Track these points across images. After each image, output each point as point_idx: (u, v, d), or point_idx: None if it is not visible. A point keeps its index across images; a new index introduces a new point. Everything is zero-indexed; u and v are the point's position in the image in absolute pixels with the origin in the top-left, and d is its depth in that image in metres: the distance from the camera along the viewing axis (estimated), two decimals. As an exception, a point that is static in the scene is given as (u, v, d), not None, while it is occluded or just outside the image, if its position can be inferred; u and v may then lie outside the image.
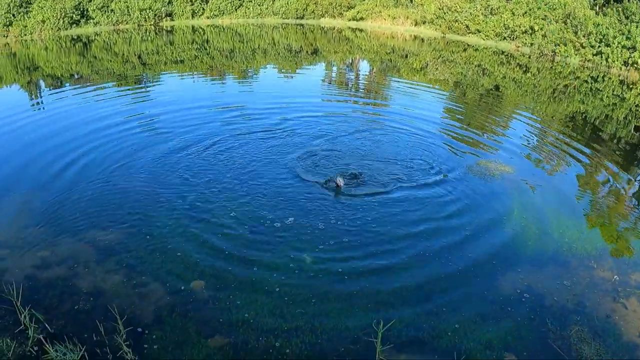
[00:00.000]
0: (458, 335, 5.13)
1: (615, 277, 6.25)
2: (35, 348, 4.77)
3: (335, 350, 4.86)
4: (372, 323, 5.11)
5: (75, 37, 25.78)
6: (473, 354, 4.89)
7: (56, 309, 5.34)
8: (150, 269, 6.05)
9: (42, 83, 16.43)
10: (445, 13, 29.24)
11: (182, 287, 5.70)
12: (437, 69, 21.12)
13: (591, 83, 19.13)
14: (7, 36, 23.76)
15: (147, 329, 5.05)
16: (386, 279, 6.00)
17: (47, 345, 4.58)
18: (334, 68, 22.26)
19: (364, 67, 23.09)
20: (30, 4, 25.87)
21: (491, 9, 27.56)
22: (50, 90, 15.27)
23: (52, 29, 25.66)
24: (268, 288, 5.73)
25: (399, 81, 18.96)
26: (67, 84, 16.01)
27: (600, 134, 13.02)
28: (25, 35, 24.65)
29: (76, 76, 17.49)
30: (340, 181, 8.07)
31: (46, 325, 5.03)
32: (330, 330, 5.13)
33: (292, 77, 19.60)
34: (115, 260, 6.20)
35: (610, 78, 19.76)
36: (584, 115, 15.08)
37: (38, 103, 13.84)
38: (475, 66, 21.88)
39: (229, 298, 5.54)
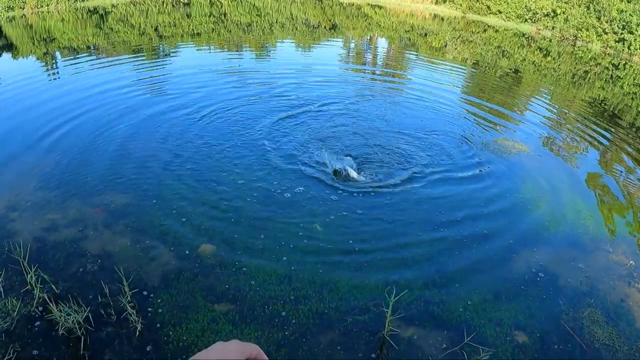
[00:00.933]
0: (469, 311, 5.05)
1: (630, 262, 6.13)
2: (40, 308, 4.76)
3: (342, 320, 4.80)
4: (381, 295, 5.07)
5: (92, 9, 25.63)
6: (483, 331, 4.80)
7: (63, 271, 5.32)
8: (159, 232, 6.01)
9: (58, 54, 16.36)
10: (466, -8, 28.79)
11: (190, 252, 5.66)
12: (456, 48, 20.81)
13: (612, 70, 18.79)
14: (23, 8, 23.67)
15: (153, 292, 5.01)
16: (398, 252, 5.92)
17: (52, 305, 4.55)
18: (352, 44, 22.00)
19: (382, 44, 22.77)
20: (48, -25, 25.79)
21: (513, -10, 27.07)
22: (65, 60, 15.19)
23: (68, 0, 25.57)
24: (276, 256, 5.66)
25: (417, 59, 18.71)
26: (83, 55, 15.91)
27: (619, 121, 12.74)
28: (42, 7, 24.54)
29: (92, 48, 17.40)
30: (352, 172, 7.48)
31: (52, 286, 5.00)
32: (338, 300, 5.06)
33: (309, 51, 19.38)
34: (123, 224, 6.17)
35: (631, 66, 19.39)
36: (603, 102, 14.80)
37: (53, 72, 13.78)
38: (495, 47, 21.56)
39: (236, 264, 5.48)
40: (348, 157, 7.37)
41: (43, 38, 18.64)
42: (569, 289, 5.53)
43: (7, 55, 15.88)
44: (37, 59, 15.48)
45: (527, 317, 5.04)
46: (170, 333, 4.55)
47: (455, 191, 7.51)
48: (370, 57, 19.29)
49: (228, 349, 1.17)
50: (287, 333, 4.59)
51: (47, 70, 13.98)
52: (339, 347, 4.48)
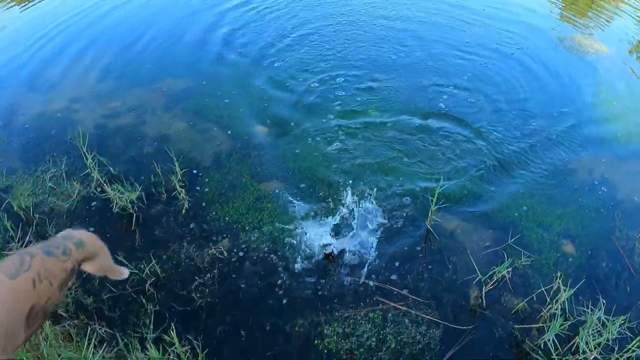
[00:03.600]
0: (518, 212, 4.85)
1: None
2: (98, 190, 5.04)
3: (389, 206, 4.79)
4: (430, 186, 4.96)
5: None
6: (529, 235, 4.61)
7: (120, 154, 5.58)
8: (214, 115, 6.10)
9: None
10: None
11: (242, 134, 5.76)
12: None
13: None
14: None
15: (203, 172, 5.20)
16: (455, 144, 5.72)
17: (108, 186, 4.79)
18: None
19: None
20: None
21: None
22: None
23: None
24: (330, 139, 5.66)
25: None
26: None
27: None
28: None
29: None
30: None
31: (110, 168, 5.26)
32: (385, 187, 5.03)
33: None
34: (181, 107, 6.29)
35: None
36: None
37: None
38: None
39: (288, 146, 5.55)
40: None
41: None
42: (629, 207, 5.10)
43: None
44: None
45: (579, 228, 4.75)
46: (215, 212, 4.72)
47: (522, 90, 6.93)
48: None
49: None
50: (329, 218, 4.64)
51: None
52: (380, 233, 4.50)
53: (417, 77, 6.84)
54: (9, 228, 4.74)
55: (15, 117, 6.57)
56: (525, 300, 3.97)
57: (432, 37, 7.97)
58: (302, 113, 6.11)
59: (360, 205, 4.76)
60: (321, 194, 4.93)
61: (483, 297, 4.00)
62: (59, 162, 5.53)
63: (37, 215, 4.93)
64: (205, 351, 3.57)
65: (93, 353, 3.30)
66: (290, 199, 4.85)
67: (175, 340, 3.33)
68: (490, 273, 4.03)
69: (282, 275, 4.15)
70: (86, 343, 3.35)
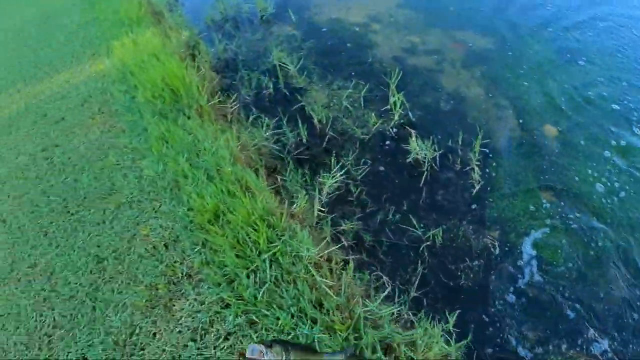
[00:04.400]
0: None
1: None
2: (394, 130, 5.26)
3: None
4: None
5: None
6: None
7: (418, 98, 5.66)
8: (512, 93, 5.78)
9: None
10: None
11: (534, 126, 5.41)
12: None
13: None
14: None
15: (493, 154, 5.08)
16: None
17: (409, 131, 4.97)
18: None
19: None
20: None
21: None
22: None
23: None
24: (614, 182, 4.85)
25: None
26: None
27: None
28: None
29: None
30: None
31: (409, 112, 5.41)
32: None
33: None
34: (482, 70, 6.08)
35: None
36: None
37: None
38: None
39: (572, 162, 5.02)
40: None
41: None
42: None
43: None
44: None
45: None
46: (496, 200, 4.66)
47: None
48: None
49: None
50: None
51: None
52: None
53: None
54: (302, 134, 5.22)
55: (312, 15, 6.85)
56: None
57: None
58: (596, 130, 5.34)
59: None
60: (598, 244, 4.35)
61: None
62: (359, 86, 5.76)
63: (329, 132, 5.31)
64: (467, 339, 3.67)
65: (378, 307, 3.63)
66: (562, 225, 4.50)
67: (450, 322, 3.62)
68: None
69: (543, 294, 4.02)
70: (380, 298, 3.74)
